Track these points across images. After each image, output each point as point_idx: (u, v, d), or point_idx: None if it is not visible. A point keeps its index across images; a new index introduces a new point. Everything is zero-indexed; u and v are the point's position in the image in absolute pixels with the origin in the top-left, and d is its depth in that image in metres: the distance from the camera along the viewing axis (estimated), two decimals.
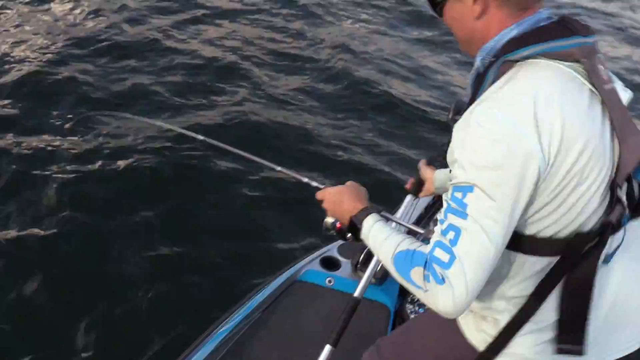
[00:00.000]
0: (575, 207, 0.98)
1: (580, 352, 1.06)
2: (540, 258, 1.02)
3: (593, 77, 0.98)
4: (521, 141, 0.91)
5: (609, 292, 1.08)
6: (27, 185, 3.37)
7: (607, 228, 0.99)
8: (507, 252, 1.00)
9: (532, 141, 0.91)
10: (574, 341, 1.06)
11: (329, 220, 1.41)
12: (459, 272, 0.93)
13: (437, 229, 0.99)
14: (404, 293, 2.19)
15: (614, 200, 0.99)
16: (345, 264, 2.32)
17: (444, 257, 0.94)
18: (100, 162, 3.60)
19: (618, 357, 1.14)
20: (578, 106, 0.97)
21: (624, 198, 1.00)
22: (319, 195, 1.39)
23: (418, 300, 2.11)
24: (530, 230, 1.00)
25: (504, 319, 1.11)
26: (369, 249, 2.18)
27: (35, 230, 3.07)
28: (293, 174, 1.85)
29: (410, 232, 1.41)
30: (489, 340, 1.14)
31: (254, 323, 2.04)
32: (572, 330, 1.05)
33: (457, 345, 1.20)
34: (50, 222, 3.14)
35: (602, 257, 1.02)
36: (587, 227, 1.00)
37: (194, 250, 3.10)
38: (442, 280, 0.94)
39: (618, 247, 1.05)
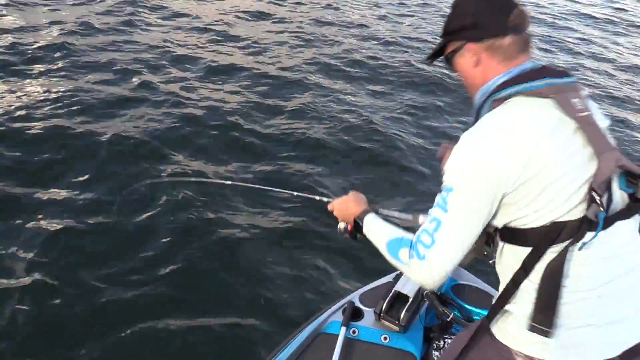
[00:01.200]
0: (555, 206, 1.18)
1: (547, 334, 1.20)
2: (524, 248, 1.23)
3: (564, 108, 1.20)
4: (492, 159, 1.18)
5: (589, 283, 1.22)
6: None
7: (582, 223, 1.18)
8: (502, 243, 1.27)
9: (501, 159, 1.17)
10: (544, 322, 1.20)
11: (342, 225, 1.68)
12: (436, 252, 1.23)
13: (427, 219, 1.27)
14: (429, 339, 2.19)
15: (591, 201, 1.17)
16: (368, 313, 2.33)
17: (427, 240, 1.24)
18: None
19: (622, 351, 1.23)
20: (547, 128, 1.19)
21: (598, 199, 1.16)
22: (329, 207, 1.71)
23: (443, 346, 2.11)
24: (516, 225, 1.23)
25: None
26: (390, 298, 2.22)
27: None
28: (304, 194, 2.06)
29: (402, 220, 1.71)
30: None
31: None
32: (543, 310, 1.21)
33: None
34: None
35: (579, 245, 1.19)
36: (565, 221, 1.19)
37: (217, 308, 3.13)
38: (423, 258, 1.24)
39: (594, 238, 1.19)
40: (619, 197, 1.25)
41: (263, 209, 3.96)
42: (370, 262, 3.48)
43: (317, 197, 1.98)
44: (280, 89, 6.05)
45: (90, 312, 2.94)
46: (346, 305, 2.34)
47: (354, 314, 2.32)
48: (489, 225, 1.27)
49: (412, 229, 1.41)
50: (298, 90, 6.07)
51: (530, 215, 1.21)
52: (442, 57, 1.45)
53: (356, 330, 2.25)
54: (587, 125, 1.20)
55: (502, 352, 1.31)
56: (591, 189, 1.18)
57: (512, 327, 1.29)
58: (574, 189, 1.19)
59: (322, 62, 6.90)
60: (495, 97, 1.27)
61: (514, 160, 1.17)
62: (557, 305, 1.20)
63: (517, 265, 1.26)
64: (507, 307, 1.30)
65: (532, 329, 1.22)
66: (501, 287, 1.33)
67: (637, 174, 1.21)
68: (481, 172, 1.19)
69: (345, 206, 1.63)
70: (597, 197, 1.16)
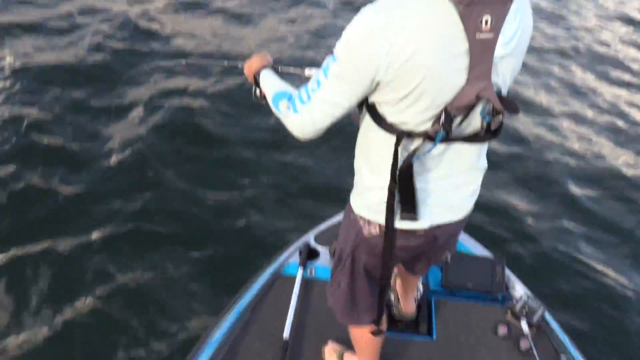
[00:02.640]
0: (411, 116, 1.26)
1: (414, 218, 1.40)
2: (389, 135, 1.31)
3: (467, 23, 1.15)
4: (373, 48, 1.17)
5: (433, 178, 1.39)
6: None
7: (423, 136, 1.28)
8: (376, 127, 1.33)
9: (380, 50, 1.16)
10: (409, 208, 1.39)
11: (257, 91, 1.70)
12: (309, 109, 1.31)
13: (312, 77, 1.36)
14: None
15: (437, 119, 1.25)
16: (324, 252, 2.40)
17: (304, 97, 1.32)
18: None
19: (443, 222, 1.47)
20: (439, 37, 1.16)
21: (442, 121, 1.24)
22: (244, 67, 1.72)
23: None
24: (383, 113, 1.30)
25: (366, 176, 1.45)
26: None
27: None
28: (226, 63, 2.04)
29: (295, 73, 1.79)
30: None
31: (245, 324, 2.09)
32: (406, 200, 1.38)
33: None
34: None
35: (423, 151, 1.31)
36: (416, 129, 1.28)
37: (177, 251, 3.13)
38: (297, 111, 1.33)
39: (429, 151, 1.32)
40: (476, 122, 1.31)
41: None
42: (323, 200, 3.54)
43: (232, 63, 2.01)
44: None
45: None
46: (302, 246, 2.39)
47: (310, 254, 2.38)
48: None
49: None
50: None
51: (392, 112, 1.28)
52: None
53: (313, 270, 2.31)
54: (478, 50, 1.18)
55: (357, 223, 1.51)
56: (445, 109, 1.23)
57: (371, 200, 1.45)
58: (432, 105, 1.23)
59: None
60: None
61: (392, 58, 1.17)
62: (415, 197, 1.37)
63: (375, 143, 1.36)
64: (369, 183, 1.44)
65: (403, 217, 1.40)
66: (360, 162, 1.46)
67: (497, 108, 1.25)
68: (361, 55, 1.20)
69: (249, 64, 1.67)
70: (442, 119, 1.23)
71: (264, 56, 1.68)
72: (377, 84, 1.24)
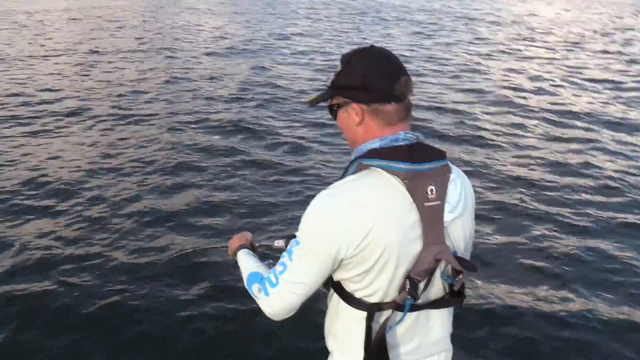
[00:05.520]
0: (377, 287, 1.32)
1: None
2: (359, 312, 1.36)
3: (415, 195, 1.28)
4: (334, 232, 1.27)
5: (406, 352, 1.41)
6: None
7: (393, 306, 1.33)
8: (345, 305, 1.38)
9: (340, 232, 1.26)
10: None
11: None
12: (279, 292, 1.39)
13: (279, 261, 1.42)
14: None
15: (403, 288, 1.31)
16: None
17: (273, 280, 1.40)
18: None
19: None
20: (392, 212, 1.27)
21: (408, 288, 1.29)
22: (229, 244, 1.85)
23: None
24: (350, 290, 1.36)
25: (339, 349, 1.46)
26: None
27: None
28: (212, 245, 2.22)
29: (271, 247, 1.90)
30: None
31: None
32: None
33: None
34: None
35: (397, 319, 1.34)
36: (384, 300, 1.34)
37: None
38: (267, 294, 1.41)
39: (401, 320, 1.35)
40: (439, 285, 1.38)
41: None
42: None
43: (218, 246, 2.19)
44: None
45: None
46: None
47: None
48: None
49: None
50: None
51: (359, 287, 1.34)
52: (325, 103, 1.49)
53: None
54: (429, 217, 1.29)
55: None
56: (408, 277, 1.29)
57: None
58: (396, 274, 1.30)
59: None
60: (363, 162, 1.33)
61: (352, 237, 1.26)
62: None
63: (346, 322, 1.40)
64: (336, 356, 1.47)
65: None
66: (331, 344, 1.48)
67: (457, 269, 1.32)
68: (322, 237, 1.29)
69: (230, 244, 1.83)
70: (407, 287, 1.29)
71: (243, 235, 1.83)
72: (341, 262, 1.31)
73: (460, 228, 1.38)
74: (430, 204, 1.29)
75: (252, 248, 1.78)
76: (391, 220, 1.27)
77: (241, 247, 1.75)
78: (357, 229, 1.26)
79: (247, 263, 1.63)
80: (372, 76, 1.34)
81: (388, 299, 1.33)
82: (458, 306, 1.44)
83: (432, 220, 1.30)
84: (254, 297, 1.49)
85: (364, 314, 1.34)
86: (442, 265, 1.34)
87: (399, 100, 1.35)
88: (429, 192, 1.29)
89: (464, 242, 1.40)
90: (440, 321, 1.45)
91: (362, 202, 1.27)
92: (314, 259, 1.32)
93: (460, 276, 1.35)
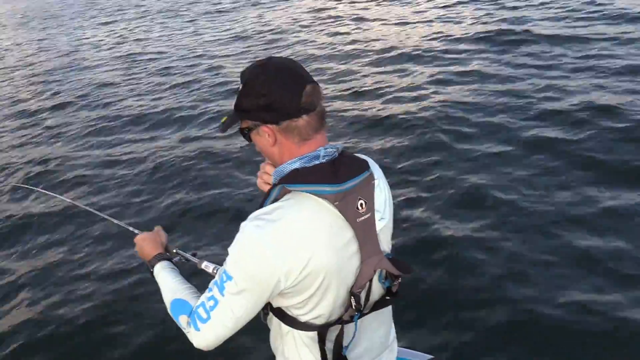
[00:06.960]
0: (322, 311, 1.31)
1: None
2: (306, 333, 1.35)
3: (346, 214, 1.24)
4: (269, 265, 1.20)
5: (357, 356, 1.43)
6: None
7: (341, 323, 1.33)
8: (289, 329, 1.35)
9: (276, 265, 1.20)
10: None
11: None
12: (210, 328, 1.30)
13: (206, 291, 1.32)
14: None
15: (349, 305, 1.31)
16: None
17: (203, 315, 1.31)
18: None
19: None
20: (328, 236, 1.23)
21: (354, 304, 1.31)
22: (135, 240, 1.71)
23: None
24: (293, 315, 1.33)
25: None
26: None
27: None
28: (116, 221, 2.10)
29: (191, 263, 1.78)
30: None
31: None
32: None
33: None
34: None
35: (351, 336, 1.36)
36: (332, 319, 1.33)
37: None
38: (198, 329, 1.32)
39: (354, 336, 1.37)
40: (378, 289, 1.38)
41: None
42: None
43: (130, 228, 2.04)
44: None
45: None
46: None
47: None
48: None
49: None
50: None
51: (302, 312, 1.31)
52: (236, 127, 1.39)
53: None
54: (362, 231, 1.27)
55: None
56: (351, 294, 1.28)
57: None
58: (339, 294, 1.29)
59: None
60: (287, 187, 1.25)
61: (291, 268, 1.21)
62: None
63: (292, 346, 1.38)
64: None
65: None
66: (278, 350, 1.45)
67: (394, 274, 1.33)
68: (259, 274, 1.22)
69: (142, 245, 1.66)
70: (354, 303, 1.29)
71: (157, 235, 1.68)
72: (280, 292, 1.26)
73: (387, 230, 1.39)
74: (362, 218, 1.27)
75: (168, 255, 1.64)
76: (328, 245, 1.23)
77: (159, 257, 1.59)
78: (295, 259, 1.21)
79: (169, 283, 1.48)
80: (274, 93, 1.23)
81: (334, 317, 1.32)
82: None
83: (365, 234, 1.28)
84: (180, 327, 1.40)
85: (312, 334, 1.34)
86: (377, 270, 1.33)
87: (309, 112, 1.25)
88: (359, 207, 1.26)
89: (390, 238, 1.41)
90: (382, 321, 1.47)
91: (295, 230, 1.21)
92: (250, 294, 1.25)
93: (399, 280, 1.36)
